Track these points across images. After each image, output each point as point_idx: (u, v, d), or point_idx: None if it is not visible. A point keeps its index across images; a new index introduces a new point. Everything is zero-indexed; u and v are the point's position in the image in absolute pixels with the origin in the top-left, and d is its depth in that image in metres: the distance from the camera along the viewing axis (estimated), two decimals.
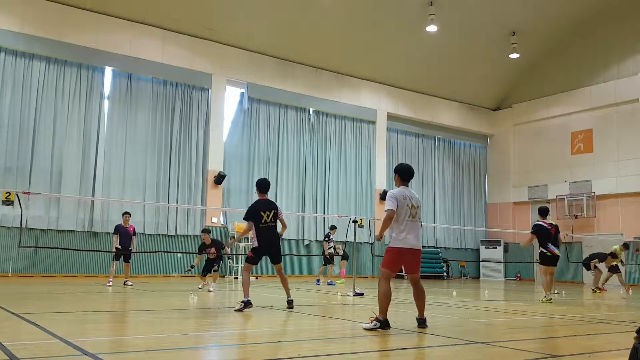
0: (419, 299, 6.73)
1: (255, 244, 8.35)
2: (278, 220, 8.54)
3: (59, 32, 17.17)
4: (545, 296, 11.40)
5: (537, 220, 11.88)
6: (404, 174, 6.89)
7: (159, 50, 18.86)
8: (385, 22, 21.44)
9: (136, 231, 14.26)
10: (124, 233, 13.67)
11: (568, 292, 15.87)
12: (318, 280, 16.89)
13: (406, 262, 6.70)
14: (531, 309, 10.26)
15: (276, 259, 8.52)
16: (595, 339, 6.30)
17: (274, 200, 9.13)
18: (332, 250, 16.65)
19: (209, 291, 12.01)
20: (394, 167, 7.10)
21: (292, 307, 8.40)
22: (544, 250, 11.59)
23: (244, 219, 8.46)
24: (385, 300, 6.38)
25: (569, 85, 24.69)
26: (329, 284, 16.44)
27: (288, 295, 8.55)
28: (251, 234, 8.49)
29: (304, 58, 21.88)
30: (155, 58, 18.75)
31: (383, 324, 6.29)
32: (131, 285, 13.29)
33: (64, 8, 17.33)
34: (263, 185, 8.60)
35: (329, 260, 16.77)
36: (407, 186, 6.90)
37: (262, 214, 8.32)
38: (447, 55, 23.73)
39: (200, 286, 12.65)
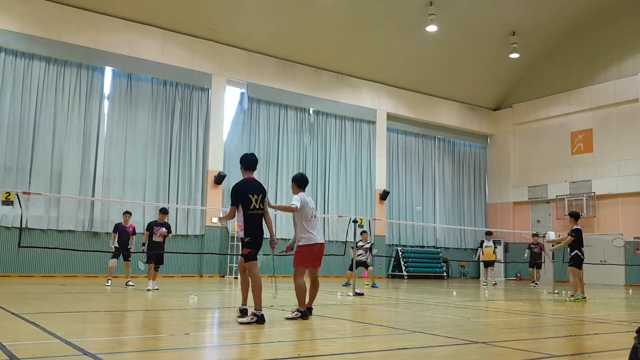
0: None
1: (243, 234, 6.79)
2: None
3: (59, 32, 17.16)
4: (574, 295, 12.06)
5: (576, 225, 12.43)
6: (300, 181, 7.50)
7: (158, 50, 18.86)
8: (385, 22, 21.43)
9: (136, 231, 14.03)
10: (122, 232, 13.64)
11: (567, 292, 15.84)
12: (374, 284, 15.97)
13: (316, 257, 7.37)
14: (531, 309, 10.26)
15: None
16: (595, 339, 6.31)
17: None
18: (361, 257, 15.77)
19: (148, 290, 11.51)
20: (293, 176, 7.61)
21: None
22: (579, 253, 12.21)
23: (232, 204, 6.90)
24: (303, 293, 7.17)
25: (569, 85, 24.68)
26: (373, 286, 15.64)
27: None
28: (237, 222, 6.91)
29: (304, 58, 21.87)
30: (155, 58, 18.74)
31: (303, 314, 7.08)
32: (132, 285, 13.18)
33: (64, 8, 17.33)
34: (250, 162, 7.09)
35: (364, 264, 16.04)
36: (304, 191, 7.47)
37: (251, 197, 6.82)
38: (447, 55, 23.72)
39: (149, 287, 11.75)
